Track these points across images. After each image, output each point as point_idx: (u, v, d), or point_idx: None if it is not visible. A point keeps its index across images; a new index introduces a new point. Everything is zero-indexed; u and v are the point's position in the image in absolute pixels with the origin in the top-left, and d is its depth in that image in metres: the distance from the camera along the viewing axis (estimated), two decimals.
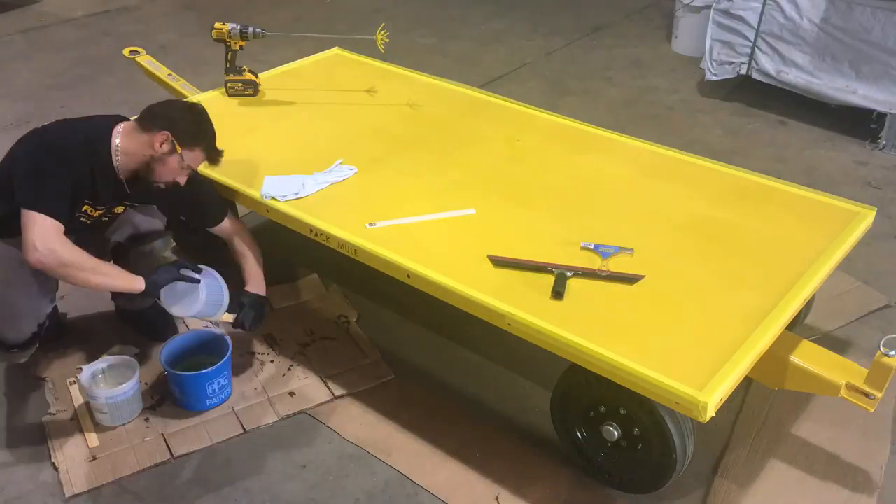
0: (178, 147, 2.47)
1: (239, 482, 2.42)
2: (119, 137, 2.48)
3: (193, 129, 2.52)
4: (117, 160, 2.48)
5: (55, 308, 2.78)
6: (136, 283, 2.45)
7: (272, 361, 2.84)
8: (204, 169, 2.90)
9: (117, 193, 2.56)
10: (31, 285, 2.52)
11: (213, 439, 2.55)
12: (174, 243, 2.76)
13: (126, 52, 3.79)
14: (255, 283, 2.78)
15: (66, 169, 2.38)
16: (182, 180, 2.55)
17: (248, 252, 2.81)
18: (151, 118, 2.50)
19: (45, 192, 2.33)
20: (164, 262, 2.66)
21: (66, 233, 2.34)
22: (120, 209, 2.67)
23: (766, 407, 2.64)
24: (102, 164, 2.47)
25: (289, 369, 2.80)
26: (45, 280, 2.52)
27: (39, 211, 2.29)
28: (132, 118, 2.57)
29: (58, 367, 2.81)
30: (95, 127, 2.51)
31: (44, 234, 2.27)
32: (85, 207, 2.51)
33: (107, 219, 2.66)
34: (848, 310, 3.07)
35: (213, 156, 2.59)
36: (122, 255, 2.72)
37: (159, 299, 2.50)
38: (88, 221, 2.57)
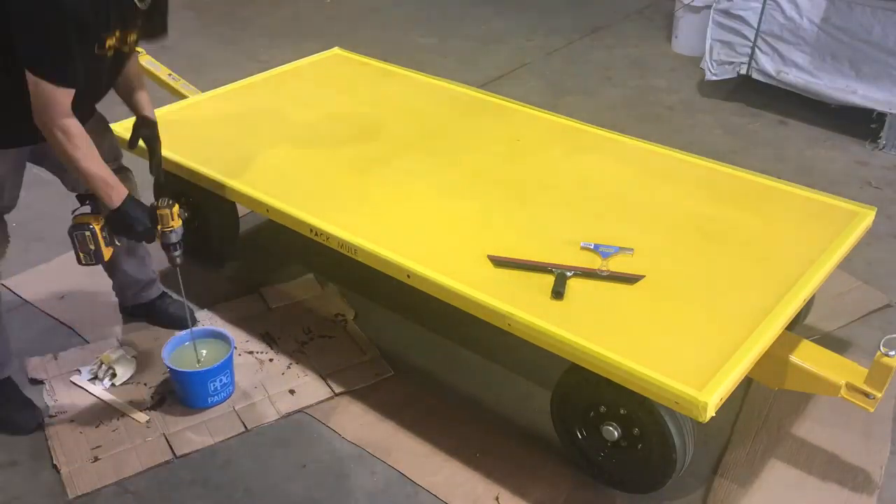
0: None
1: (239, 482, 2.42)
2: None
3: None
4: None
5: None
6: (116, 195, 2.31)
7: (271, 360, 2.84)
8: (204, 170, 2.91)
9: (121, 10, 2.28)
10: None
11: (215, 438, 2.55)
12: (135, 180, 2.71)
13: None
14: (149, 109, 2.63)
15: (64, 15, 2.10)
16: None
17: (143, 80, 2.65)
18: None
19: (51, 54, 2.14)
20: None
21: (82, 73, 2.21)
22: (132, 36, 2.39)
23: (766, 407, 2.64)
24: None
25: (288, 367, 2.81)
26: None
27: (47, 79, 2.13)
28: None
29: (55, 368, 2.81)
30: None
31: (53, 105, 2.16)
32: (107, 42, 2.28)
33: (120, 54, 2.41)
34: (848, 310, 3.07)
35: None
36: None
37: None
38: (109, 54, 2.33)
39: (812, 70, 4.41)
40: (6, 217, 2.51)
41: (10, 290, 3.18)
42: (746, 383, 2.65)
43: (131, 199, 2.37)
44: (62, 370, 2.79)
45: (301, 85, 3.61)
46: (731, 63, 4.70)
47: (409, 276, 2.43)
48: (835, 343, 2.89)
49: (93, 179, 2.31)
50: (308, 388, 2.73)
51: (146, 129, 2.61)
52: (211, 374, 2.58)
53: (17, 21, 2.11)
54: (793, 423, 2.59)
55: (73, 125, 2.22)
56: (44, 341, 2.94)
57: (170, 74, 3.73)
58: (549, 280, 2.34)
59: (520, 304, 2.25)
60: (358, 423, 2.60)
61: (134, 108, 2.63)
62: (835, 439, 2.52)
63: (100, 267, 2.99)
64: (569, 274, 2.36)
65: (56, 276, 3.24)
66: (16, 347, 2.87)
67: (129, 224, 2.37)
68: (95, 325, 3.01)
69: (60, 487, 2.39)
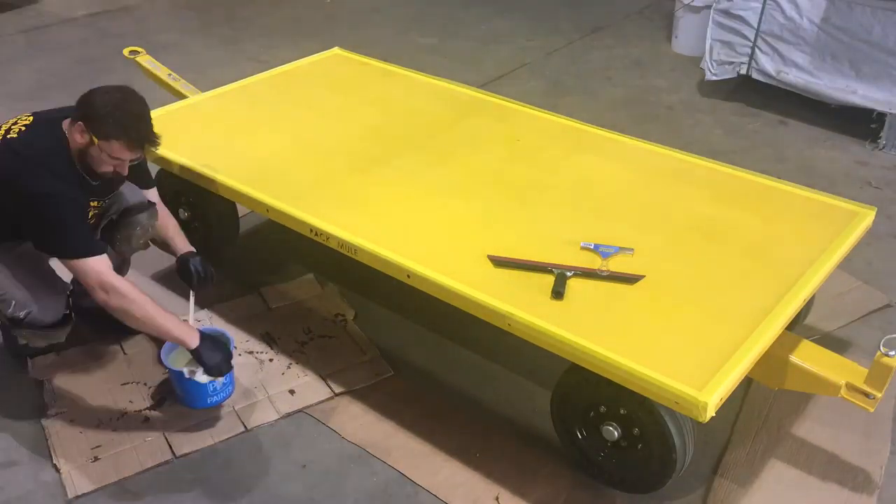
0: (94, 139, 2.30)
1: (239, 482, 2.42)
2: (67, 134, 2.36)
3: (107, 119, 2.28)
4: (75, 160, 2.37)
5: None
6: (191, 339, 2.42)
7: (271, 360, 2.84)
8: (204, 169, 2.90)
9: (91, 189, 2.46)
10: (52, 269, 2.57)
11: (215, 438, 2.55)
12: (157, 217, 2.71)
13: (126, 51, 3.79)
14: (186, 244, 2.78)
15: (70, 206, 2.33)
16: (122, 171, 2.39)
17: (170, 219, 2.81)
18: (78, 106, 2.34)
19: (75, 239, 2.34)
20: (148, 233, 2.67)
21: None
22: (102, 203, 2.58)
23: (766, 407, 2.64)
24: (76, 174, 2.37)
25: (288, 367, 2.80)
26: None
27: (83, 257, 2.32)
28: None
29: (55, 368, 2.80)
30: (48, 145, 2.36)
31: (100, 275, 2.32)
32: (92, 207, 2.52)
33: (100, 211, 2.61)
34: (848, 310, 3.07)
35: (138, 145, 2.35)
36: (110, 230, 2.63)
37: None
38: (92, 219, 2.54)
39: (812, 70, 4.41)
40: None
41: None
42: (746, 383, 2.65)
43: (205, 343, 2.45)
44: (64, 369, 2.79)
45: (301, 85, 3.61)
46: (731, 63, 4.70)
47: (409, 276, 2.43)
48: (835, 343, 2.89)
49: (159, 331, 2.43)
50: (308, 388, 2.72)
51: (194, 258, 2.75)
52: None
53: (28, 224, 2.36)
54: (793, 423, 2.59)
55: (116, 281, 2.34)
56: None
57: (170, 74, 3.73)
58: (549, 280, 2.34)
59: (520, 304, 2.25)
60: (358, 423, 2.59)
61: (174, 249, 2.78)
62: (835, 439, 2.52)
63: (133, 272, 2.97)
64: (569, 274, 2.36)
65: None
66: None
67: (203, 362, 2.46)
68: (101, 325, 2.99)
69: (60, 487, 2.39)
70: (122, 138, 2.31)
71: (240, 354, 2.84)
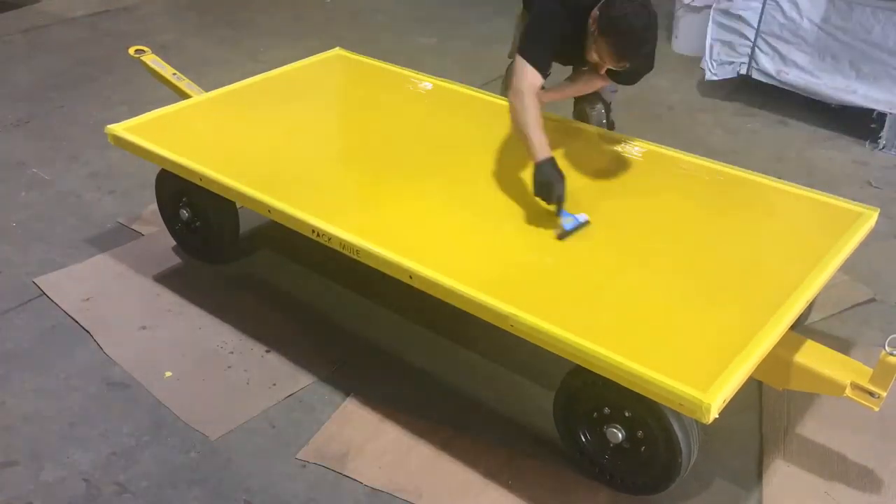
0: (596, 30, 2.55)
1: (239, 482, 2.42)
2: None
3: (616, 20, 2.50)
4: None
5: None
6: (539, 154, 2.58)
7: (268, 351, 2.84)
8: (206, 170, 2.90)
9: (580, 59, 2.82)
10: None
11: (215, 436, 2.55)
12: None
13: (132, 50, 3.78)
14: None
15: (553, 26, 2.68)
16: (597, 68, 2.75)
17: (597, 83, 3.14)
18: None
19: (536, 47, 2.69)
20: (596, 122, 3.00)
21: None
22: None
23: (784, 409, 2.61)
24: (572, 35, 2.68)
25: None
26: None
27: (528, 62, 2.67)
28: None
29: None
30: (582, 4, 2.66)
31: (521, 80, 2.66)
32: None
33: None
34: (849, 309, 3.07)
35: (621, 59, 2.60)
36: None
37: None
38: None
39: (812, 70, 4.42)
40: None
41: (40, 288, 3.16)
42: (759, 384, 2.64)
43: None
44: None
45: (302, 85, 3.61)
46: (731, 63, 4.70)
47: (411, 277, 2.42)
48: (836, 343, 2.89)
49: (522, 134, 2.68)
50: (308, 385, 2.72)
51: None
52: None
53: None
54: (816, 425, 2.56)
55: (526, 91, 2.66)
56: (54, 342, 2.93)
57: (174, 74, 3.72)
58: (551, 281, 2.34)
59: (522, 305, 2.24)
60: (377, 466, 2.46)
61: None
62: (858, 441, 2.50)
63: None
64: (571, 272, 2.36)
65: (86, 278, 3.22)
66: (25, 348, 2.87)
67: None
68: (113, 332, 2.95)
69: (60, 487, 2.39)
70: (614, 49, 2.56)
71: (240, 354, 2.83)
